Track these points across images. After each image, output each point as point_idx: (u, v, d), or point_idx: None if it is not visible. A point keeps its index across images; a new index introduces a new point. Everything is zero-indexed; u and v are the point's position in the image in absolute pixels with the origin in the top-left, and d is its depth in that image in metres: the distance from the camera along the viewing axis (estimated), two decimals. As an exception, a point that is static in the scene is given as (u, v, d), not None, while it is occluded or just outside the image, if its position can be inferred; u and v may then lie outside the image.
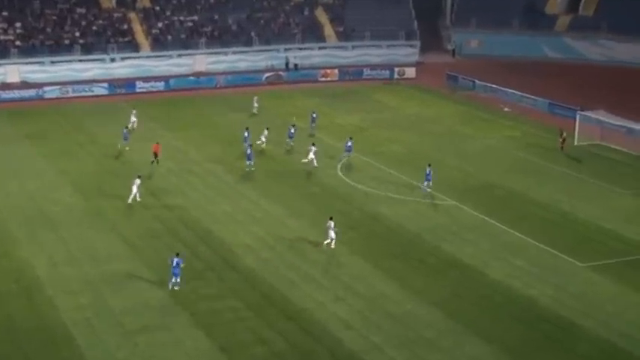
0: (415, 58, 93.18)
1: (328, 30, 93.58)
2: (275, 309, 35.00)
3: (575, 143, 59.66)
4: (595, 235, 43.32)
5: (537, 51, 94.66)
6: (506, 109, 72.25)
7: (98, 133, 63.34)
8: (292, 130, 59.54)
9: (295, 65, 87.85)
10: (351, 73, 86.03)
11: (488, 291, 36.88)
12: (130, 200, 46.81)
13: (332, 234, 41.07)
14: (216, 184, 51.21)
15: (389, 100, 76.05)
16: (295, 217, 45.60)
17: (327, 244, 41.21)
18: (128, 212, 45.99)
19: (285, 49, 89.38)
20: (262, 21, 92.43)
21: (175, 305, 35.16)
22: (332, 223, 41.23)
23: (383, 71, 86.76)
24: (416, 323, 34.00)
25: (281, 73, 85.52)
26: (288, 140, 59.16)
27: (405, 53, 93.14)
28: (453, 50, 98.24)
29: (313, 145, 54.54)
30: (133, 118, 63.51)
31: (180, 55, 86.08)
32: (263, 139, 58.33)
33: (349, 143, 55.66)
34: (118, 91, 78.61)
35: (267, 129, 59.29)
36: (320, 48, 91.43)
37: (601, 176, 52.62)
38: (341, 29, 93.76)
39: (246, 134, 58.03)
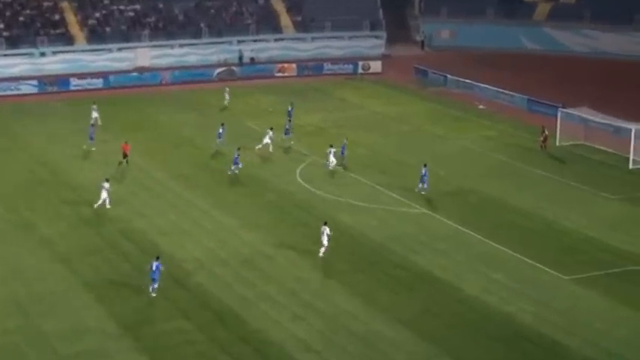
0: (381, 50, 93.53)
1: (285, 20, 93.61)
2: (228, 330, 34.83)
3: (557, 144, 60.25)
4: (580, 245, 43.74)
5: (515, 42, 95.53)
6: (481, 107, 72.80)
7: (27, 136, 62.60)
8: (287, 127, 60.29)
9: (251, 59, 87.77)
10: (310, 68, 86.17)
11: (462, 308, 37.04)
12: (101, 204, 46.82)
13: (325, 240, 41.49)
14: (163, 192, 50.88)
15: (352, 97, 76.25)
16: (250, 228, 45.48)
17: (320, 251, 41.76)
18: (62, 225, 45.47)
19: (238, 42, 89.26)
20: (212, 10, 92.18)
21: (117, 328, 34.81)
22: (327, 229, 41.61)
23: (345, 65, 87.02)
24: (383, 344, 33.99)
25: (234, 68, 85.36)
26: (285, 137, 59.58)
27: (369, 45, 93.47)
28: (422, 42, 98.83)
29: (331, 146, 54.83)
30: (95, 114, 63.19)
31: (120, 49, 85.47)
32: (268, 140, 57.68)
33: (343, 144, 56.33)
34: (50, 89, 77.82)
35: (272, 129, 58.33)
36: (276, 40, 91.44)
37: (585, 180, 53.19)
38: (299, 19, 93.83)
39: (220, 130, 58.41)
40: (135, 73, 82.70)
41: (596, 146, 59.54)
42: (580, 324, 35.72)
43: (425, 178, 49.93)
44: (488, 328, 35.37)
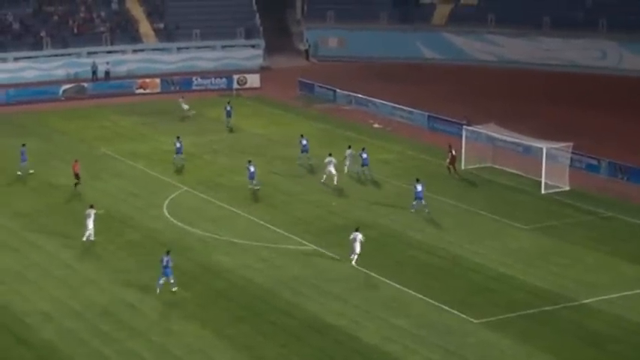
0: (259, 62, 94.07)
1: (145, 27, 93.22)
2: (85, 398, 34.48)
3: (463, 167, 61.59)
4: (491, 283, 44.75)
5: (412, 50, 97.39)
6: (375, 126, 73.87)
7: None
8: (304, 142, 62.52)
9: (107, 73, 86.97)
10: (176, 83, 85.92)
11: (360, 359, 37.36)
12: (85, 237, 47.91)
13: (357, 247, 45.31)
14: (-2, 233, 50.14)
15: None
16: (108, 274, 45.09)
17: (352, 259, 45.58)
18: None
19: (89, 54, 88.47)
20: (56, 17, 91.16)
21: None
22: (359, 235, 45.52)
23: (218, 80, 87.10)
24: (271, 407, 34.15)
25: (84, 84, 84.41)
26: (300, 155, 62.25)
27: (245, 56, 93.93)
28: (307, 51, 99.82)
29: (330, 155, 57.93)
30: None
31: None
32: (332, 170, 57.44)
33: (364, 154, 59.27)
34: None
35: (330, 155, 58.68)
36: (135, 51, 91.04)
37: (495, 208, 54.50)
38: (161, 26, 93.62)
39: (178, 145, 61.31)
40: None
41: (505, 168, 61.10)
42: (494, 374, 36.59)
43: (420, 194, 52.90)
44: (391, 383, 35.88)
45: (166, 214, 53.29)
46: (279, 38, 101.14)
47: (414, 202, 53.11)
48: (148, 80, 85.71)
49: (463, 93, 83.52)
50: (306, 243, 49.20)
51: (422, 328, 39.78)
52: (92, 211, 48.64)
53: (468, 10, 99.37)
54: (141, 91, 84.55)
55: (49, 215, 53.12)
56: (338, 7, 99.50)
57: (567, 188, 57.50)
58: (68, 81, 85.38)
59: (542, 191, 57.31)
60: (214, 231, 50.63)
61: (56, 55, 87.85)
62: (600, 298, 42.66)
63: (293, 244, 49.14)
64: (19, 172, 59.48)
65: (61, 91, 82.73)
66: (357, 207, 54.78)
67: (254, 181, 56.75)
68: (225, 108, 72.54)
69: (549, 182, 57.59)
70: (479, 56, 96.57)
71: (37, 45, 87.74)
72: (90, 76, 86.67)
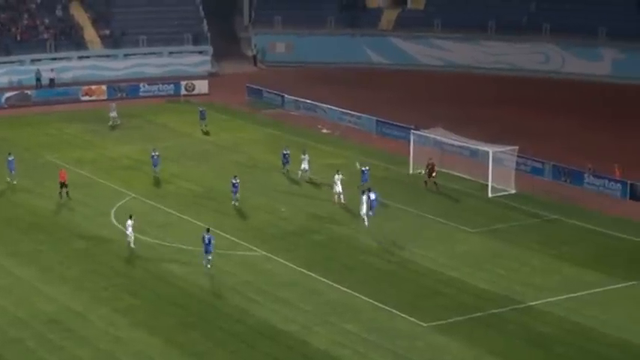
0: (207, 68, 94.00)
1: (90, 33, 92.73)
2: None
3: (411, 171, 62.03)
4: (440, 286, 45.13)
5: (359, 55, 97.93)
6: (324, 131, 74.10)
7: None
8: (285, 152, 62.23)
9: (51, 81, 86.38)
10: (123, 90, 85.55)
11: (311, 365, 37.68)
12: (132, 244, 48.36)
13: (364, 208, 50.04)
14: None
15: (175, 123, 76.15)
16: (54, 282, 44.92)
17: (364, 220, 50.16)
18: None
19: (33, 61, 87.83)
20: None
21: None
22: (373, 194, 50.36)
23: (165, 86, 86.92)
24: (222, 413, 34.17)
25: (28, 92, 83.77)
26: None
27: (193, 62, 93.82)
28: (255, 57, 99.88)
29: (338, 172, 56.40)
30: None
31: None
32: (339, 189, 55.90)
33: (364, 169, 58.83)
34: None
35: (338, 171, 56.77)
36: (80, 57, 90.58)
37: (443, 212, 54.94)
38: (107, 32, 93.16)
39: (154, 156, 61.02)
40: None
41: (453, 172, 61.54)
42: (443, 376, 36.89)
43: (374, 203, 52.26)
44: (342, 387, 36.06)
45: (114, 221, 53.05)
46: (226, 44, 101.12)
47: (370, 213, 52.40)
48: (93, 87, 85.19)
49: (410, 97, 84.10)
50: (256, 249, 49.28)
51: (371, 333, 40.03)
52: (130, 222, 48.43)
53: (414, 14, 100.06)
54: (87, 98, 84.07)
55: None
56: (285, 12, 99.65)
57: (513, 191, 58.12)
58: (11, 88, 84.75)
59: (489, 194, 57.88)
60: (163, 238, 50.53)
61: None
62: (546, 300, 43.24)
63: (242, 250, 49.19)
64: (8, 179, 59.22)
65: (3, 99, 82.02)
66: (306, 212, 54.93)
67: (236, 196, 55.87)
68: (199, 109, 74.15)
69: (496, 185, 58.20)
70: (425, 61, 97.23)
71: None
72: (34, 83, 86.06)
